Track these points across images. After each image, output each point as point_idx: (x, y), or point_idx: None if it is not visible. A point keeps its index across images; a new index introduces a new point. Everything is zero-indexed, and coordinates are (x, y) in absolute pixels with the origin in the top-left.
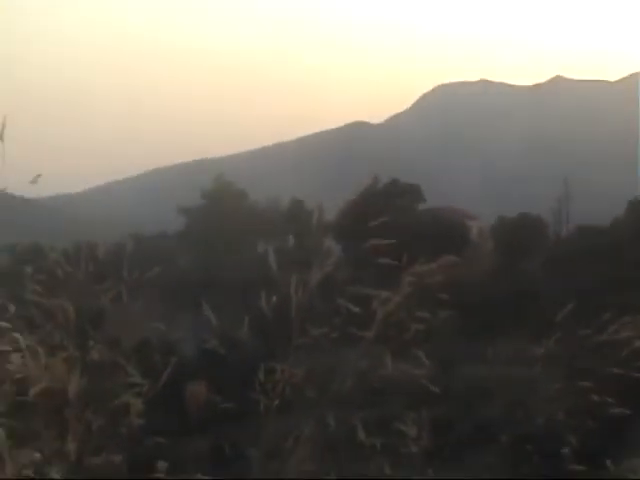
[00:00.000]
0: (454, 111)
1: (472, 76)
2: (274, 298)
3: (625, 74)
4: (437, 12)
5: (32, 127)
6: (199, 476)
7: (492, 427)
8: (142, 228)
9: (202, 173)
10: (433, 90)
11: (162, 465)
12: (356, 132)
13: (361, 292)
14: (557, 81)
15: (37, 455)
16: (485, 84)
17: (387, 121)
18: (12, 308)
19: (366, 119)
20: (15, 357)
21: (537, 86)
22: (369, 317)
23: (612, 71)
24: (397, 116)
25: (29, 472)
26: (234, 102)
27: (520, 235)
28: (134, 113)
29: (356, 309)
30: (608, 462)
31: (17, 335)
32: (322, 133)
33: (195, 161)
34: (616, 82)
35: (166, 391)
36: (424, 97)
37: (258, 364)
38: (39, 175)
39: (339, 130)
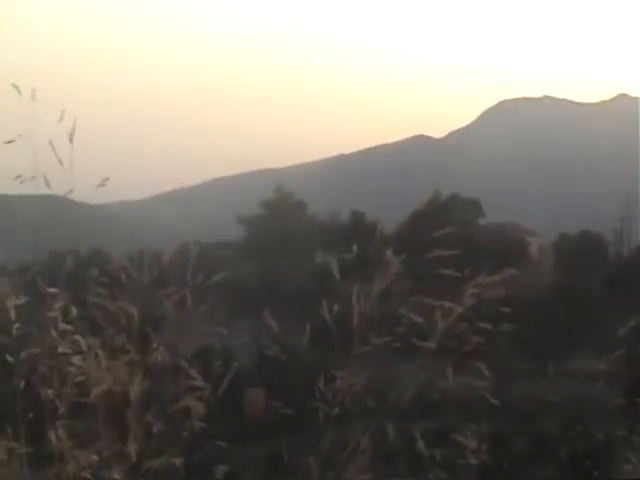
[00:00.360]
0: (517, 127)
1: (536, 92)
2: (336, 307)
3: None
4: (502, 28)
5: (99, 133)
6: None
7: (552, 442)
8: (204, 236)
9: (263, 183)
10: (496, 106)
11: (221, 469)
12: (418, 146)
13: (423, 302)
14: (621, 99)
15: (95, 457)
16: (549, 101)
17: (449, 135)
18: (74, 311)
19: (428, 133)
20: (77, 359)
21: (601, 103)
22: (430, 328)
23: None
24: (459, 131)
25: (89, 473)
26: (296, 114)
27: (581, 253)
28: (198, 123)
29: (418, 319)
30: None
31: (78, 337)
32: (384, 146)
33: (257, 171)
34: None
35: (227, 396)
36: (487, 112)
37: (318, 372)
38: (107, 179)
39: (401, 143)
